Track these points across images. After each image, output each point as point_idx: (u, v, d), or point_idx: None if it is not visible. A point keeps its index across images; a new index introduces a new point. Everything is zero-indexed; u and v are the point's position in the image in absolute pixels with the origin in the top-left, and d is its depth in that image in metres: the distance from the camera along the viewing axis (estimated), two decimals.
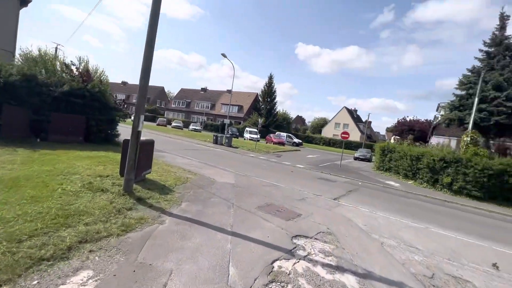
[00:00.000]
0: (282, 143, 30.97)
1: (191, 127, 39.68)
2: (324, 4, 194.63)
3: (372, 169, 19.20)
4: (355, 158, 27.77)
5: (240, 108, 52.06)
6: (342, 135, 18.37)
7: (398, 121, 54.81)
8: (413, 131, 52.84)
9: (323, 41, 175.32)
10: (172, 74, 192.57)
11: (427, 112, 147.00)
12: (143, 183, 6.25)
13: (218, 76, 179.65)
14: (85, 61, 12.94)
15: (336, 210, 7.05)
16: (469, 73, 15.64)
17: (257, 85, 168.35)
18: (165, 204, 5.23)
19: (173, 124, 40.60)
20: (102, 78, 13.78)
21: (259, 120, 22.37)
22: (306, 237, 4.74)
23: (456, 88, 16.36)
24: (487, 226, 8.01)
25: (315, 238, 4.73)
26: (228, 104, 25.95)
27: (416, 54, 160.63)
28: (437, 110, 26.65)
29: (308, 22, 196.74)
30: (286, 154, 22.90)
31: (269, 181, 9.77)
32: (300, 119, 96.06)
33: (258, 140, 32.67)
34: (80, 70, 12.15)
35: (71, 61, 12.51)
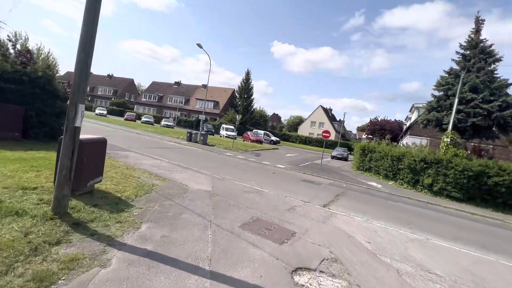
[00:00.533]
0: (260, 141, 29.97)
1: (163, 122, 37.07)
2: (299, 4, 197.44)
3: (352, 168, 18.89)
4: (332, 157, 27.68)
5: (216, 104, 50.12)
6: (324, 134, 17.75)
7: (370, 121, 56.71)
8: (384, 130, 55.03)
9: (298, 40, 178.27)
10: (143, 66, 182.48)
11: (394, 113, 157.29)
12: (89, 197, 4.70)
13: (193, 71, 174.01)
14: (24, 38, 10.60)
15: (331, 222, 6.07)
16: (446, 75, 15.82)
17: (232, 81, 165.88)
18: (116, 229, 3.78)
19: (143, 119, 37.65)
20: (50, 61, 11.47)
21: (237, 116, 21.05)
22: (309, 269, 3.62)
23: (434, 89, 16.48)
24: (479, 232, 7.62)
25: (320, 271, 3.63)
26: (204, 100, 24.09)
27: (383, 58, 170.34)
28: (410, 111, 27.40)
29: (283, 21, 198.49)
30: (265, 153, 21.87)
31: (250, 185, 8.58)
32: (276, 117, 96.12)
33: (235, 138, 31.32)
34: (18, 49, 9.86)
35: (8, 36, 10.13)
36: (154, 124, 38.94)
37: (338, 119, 67.69)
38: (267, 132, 38.16)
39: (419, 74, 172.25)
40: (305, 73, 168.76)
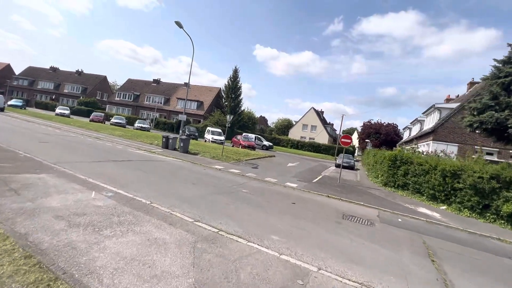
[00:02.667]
0: (252, 147, 25.48)
1: (136, 124, 31.58)
2: (280, 9, 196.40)
3: (376, 183, 14.86)
4: (337, 166, 23.74)
5: (200, 104, 45.08)
6: (343, 140, 13.60)
7: (364, 124, 54.10)
8: (379, 134, 52.42)
9: (280, 44, 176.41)
10: (123, 67, 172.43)
11: (371, 116, 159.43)
12: None
13: (175, 72, 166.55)
14: None
15: None
16: (501, 65, 12.35)
17: (216, 84, 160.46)
18: None
19: (113, 120, 31.92)
20: None
21: (228, 117, 16.49)
22: None
23: (484, 79, 12.93)
24: None
25: None
26: (186, 99, 19.56)
27: (361, 64, 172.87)
28: (423, 113, 24.11)
29: (265, 25, 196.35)
30: (262, 163, 17.41)
31: (274, 250, 4.10)
32: (263, 120, 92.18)
33: (222, 143, 26.64)
34: None
35: None
36: (127, 126, 33.31)
37: (329, 122, 64.72)
38: (259, 136, 33.78)
39: (394, 80, 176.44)
40: (288, 77, 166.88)
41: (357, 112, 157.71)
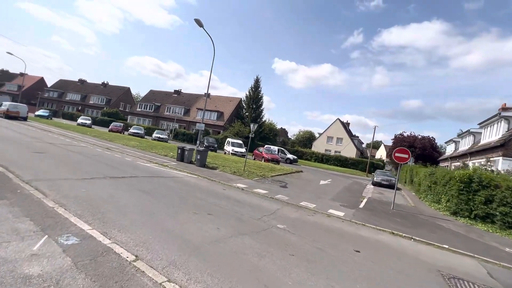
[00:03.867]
0: (276, 160, 22.91)
1: (154, 135, 30.39)
2: (297, 23, 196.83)
3: (440, 211, 11.62)
4: (375, 184, 20.45)
5: (220, 115, 43.66)
6: (397, 154, 10.72)
7: (395, 137, 49.66)
8: (414, 148, 47.80)
9: (299, 57, 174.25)
10: (148, 81, 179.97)
11: (395, 130, 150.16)
12: None
13: (196, 86, 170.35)
14: None
15: None
16: None
17: (236, 96, 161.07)
18: None
19: (131, 130, 31.03)
20: None
21: (251, 126, 14.26)
22: None
23: None
24: None
25: None
26: (205, 110, 17.90)
27: (383, 75, 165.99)
28: (480, 124, 20.39)
29: (283, 39, 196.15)
30: (290, 181, 14.81)
31: None
32: (284, 132, 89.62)
33: (244, 155, 24.41)
34: None
35: None
36: (145, 136, 32.30)
37: (353, 134, 60.71)
38: (282, 149, 31.17)
39: (419, 92, 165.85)
40: (306, 90, 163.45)
41: (380, 125, 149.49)
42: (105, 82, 60.07)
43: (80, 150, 12.61)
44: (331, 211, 8.61)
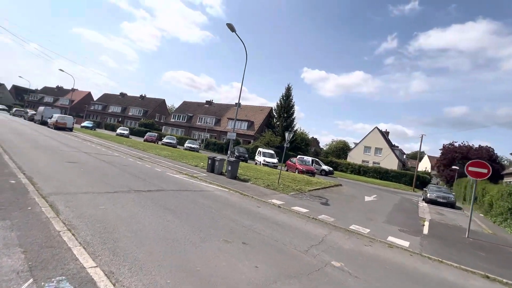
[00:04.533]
0: (311, 172, 21.17)
1: (186, 144, 30.64)
2: (327, 31, 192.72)
3: None
4: (429, 201, 17.62)
5: (251, 124, 43.11)
6: (471, 169, 8.60)
7: (444, 147, 44.47)
8: (466, 159, 42.27)
9: (329, 66, 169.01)
10: (182, 94, 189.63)
11: (437, 139, 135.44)
12: None
13: (226, 98, 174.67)
14: None
15: None
16: None
17: (266, 106, 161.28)
18: None
19: (164, 140, 31.71)
20: None
21: (286, 134, 13.04)
22: None
23: None
24: None
25: None
26: (236, 120, 17.36)
27: (422, 81, 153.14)
28: None
29: (312, 48, 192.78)
30: (331, 196, 13.11)
31: None
32: (315, 141, 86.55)
33: (276, 166, 23.10)
34: None
35: None
36: (177, 146, 32.73)
37: (393, 144, 55.89)
38: (317, 160, 29.21)
39: (465, 98, 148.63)
40: (337, 98, 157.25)
41: (420, 134, 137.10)
42: (143, 95, 63.73)
43: (112, 160, 12.43)
44: (391, 239, 6.89)
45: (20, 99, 77.27)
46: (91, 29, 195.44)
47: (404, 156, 67.29)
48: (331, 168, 29.07)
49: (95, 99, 70.12)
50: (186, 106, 54.57)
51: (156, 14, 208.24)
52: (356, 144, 48.78)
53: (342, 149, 72.59)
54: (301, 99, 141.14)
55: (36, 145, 13.02)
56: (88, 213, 4.81)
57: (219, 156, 14.24)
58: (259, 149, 26.97)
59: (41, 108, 33.40)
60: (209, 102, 52.59)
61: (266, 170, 19.19)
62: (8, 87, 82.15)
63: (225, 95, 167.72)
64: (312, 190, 13.71)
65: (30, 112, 38.90)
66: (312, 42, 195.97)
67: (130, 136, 37.60)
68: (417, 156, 34.59)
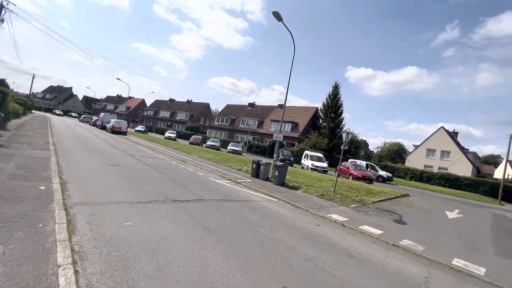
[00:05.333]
0: (369, 179, 18.34)
1: (229, 147, 30.21)
2: (374, 27, 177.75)
3: None
4: None
5: (295, 126, 41.10)
6: None
7: None
8: None
9: (376, 63, 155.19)
10: (225, 98, 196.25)
11: None
12: None
13: (267, 101, 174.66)
14: None
15: None
16: None
17: (311, 106, 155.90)
18: None
19: (208, 143, 31.79)
20: None
21: (345, 136, 10.96)
22: None
23: None
24: None
25: None
26: (279, 121, 16.17)
27: (492, 74, 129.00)
28: None
29: (358, 46, 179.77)
30: (402, 210, 10.60)
31: None
32: (364, 144, 79.94)
33: (326, 171, 20.84)
34: None
35: None
36: (221, 149, 32.57)
37: (463, 146, 47.68)
38: (372, 164, 25.85)
39: None
40: (386, 97, 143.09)
41: (491, 135, 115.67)
42: (189, 100, 66.65)
43: (155, 163, 11.98)
44: None
45: (89, 108, 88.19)
46: (146, 43, 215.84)
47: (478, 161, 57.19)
48: (389, 174, 25.38)
49: (147, 105, 75.95)
50: (229, 109, 55.08)
51: (201, 25, 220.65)
52: (417, 147, 42.79)
53: (396, 152, 65.41)
54: (345, 99, 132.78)
55: (88, 148, 13.37)
56: (109, 234, 3.77)
57: (264, 160, 12.83)
58: (306, 152, 24.87)
59: (101, 115, 36.66)
60: (251, 104, 52.14)
61: (316, 175, 17.15)
62: (80, 97, 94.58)
63: (266, 98, 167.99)
64: (376, 201, 11.35)
65: (94, 118, 43.26)
66: (356, 39, 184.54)
67: (177, 139, 38.99)
68: (506, 159, 28.37)
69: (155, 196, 6.31)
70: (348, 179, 18.71)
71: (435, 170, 37.54)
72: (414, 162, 40.29)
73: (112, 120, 31.12)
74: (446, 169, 37.62)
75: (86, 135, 20.78)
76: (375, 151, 78.51)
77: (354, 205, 9.78)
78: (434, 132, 40.67)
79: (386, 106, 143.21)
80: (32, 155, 8.48)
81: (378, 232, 6.65)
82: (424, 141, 41.59)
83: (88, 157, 10.49)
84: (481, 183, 31.98)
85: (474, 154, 41.16)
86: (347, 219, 7.45)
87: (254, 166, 12.72)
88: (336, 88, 38.88)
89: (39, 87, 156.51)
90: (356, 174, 18.40)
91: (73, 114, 65.95)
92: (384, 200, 12.01)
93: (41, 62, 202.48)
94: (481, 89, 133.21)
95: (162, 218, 4.83)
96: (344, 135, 11.02)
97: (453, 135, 40.83)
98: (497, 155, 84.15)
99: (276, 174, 11.43)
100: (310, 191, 10.83)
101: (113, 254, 3.21)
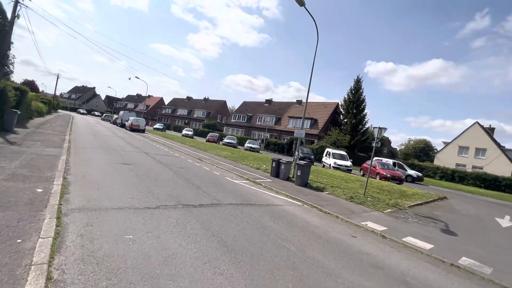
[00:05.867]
0: (399, 179, 16.77)
1: (246, 145, 29.50)
2: (394, 18, 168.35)
3: None
4: None
5: (314, 122, 39.57)
6: None
7: None
8: None
9: (397, 56, 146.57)
10: (241, 96, 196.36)
11: None
12: None
13: (284, 98, 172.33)
14: None
15: None
16: None
17: (331, 101, 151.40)
18: None
19: (225, 140, 31.26)
20: None
21: (377, 131, 9.69)
22: None
23: None
24: None
25: None
26: (299, 118, 15.06)
27: None
28: None
29: (377, 39, 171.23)
30: (445, 217, 9.23)
31: None
32: (387, 141, 76.25)
33: (350, 170, 19.52)
34: None
35: None
36: (238, 146, 31.91)
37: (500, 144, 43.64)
38: (400, 163, 23.96)
39: None
40: (408, 92, 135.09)
41: None
42: (206, 98, 66.72)
43: (170, 162, 11.40)
44: None
45: (111, 107, 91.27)
46: (164, 43, 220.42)
47: None
48: (420, 174, 23.43)
49: (166, 104, 77.13)
50: (246, 106, 54.36)
51: (217, 23, 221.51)
52: (447, 144, 39.72)
53: (423, 150, 61.60)
54: (365, 95, 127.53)
55: (103, 145, 13.08)
56: (103, 252, 3.02)
57: (285, 159, 11.84)
58: (328, 149, 23.51)
59: (121, 113, 37.26)
60: (268, 101, 51.06)
61: (340, 175, 15.90)
62: (103, 97, 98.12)
63: (282, 95, 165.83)
64: (413, 205, 10.03)
65: (114, 116, 44.24)
66: (376, 32, 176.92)
67: (194, 137, 38.86)
68: None
69: (166, 199, 5.57)
70: (375, 179, 17.24)
71: (469, 169, 34.56)
72: (444, 160, 37.39)
73: (131, 118, 31.41)
74: (482, 168, 34.52)
75: (104, 133, 20.83)
76: (398, 149, 74.64)
77: (389, 210, 8.58)
78: (468, 128, 37.45)
79: (408, 101, 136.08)
80: (42, 153, 8.09)
81: (427, 246, 5.51)
82: (455, 138, 38.45)
83: (101, 155, 10.06)
84: None
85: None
86: (385, 228, 6.34)
87: (274, 165, 11.79)
88: (358, 82, 36.85)
89: (66, 88, 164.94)
90: (385, 173, 16.89)
91: (96, 113, 68.31)
92: (421, 204, 10.64)
93: (67, 64, 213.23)
94: None
95: (171, 229, 4.05)
96: (376, 130, 9.77)
97: (489, 131, 37.39)
98: None
99: (299, 174, 10.42)
100: (337, 193, 9.73)
101: (100, 285, 2.43)
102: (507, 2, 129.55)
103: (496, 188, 29.85)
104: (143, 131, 31.18)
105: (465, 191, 23.21)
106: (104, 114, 54.61)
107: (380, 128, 9.71)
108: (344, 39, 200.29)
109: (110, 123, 43.56)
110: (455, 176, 32.85)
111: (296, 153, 12.25)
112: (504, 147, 40.74)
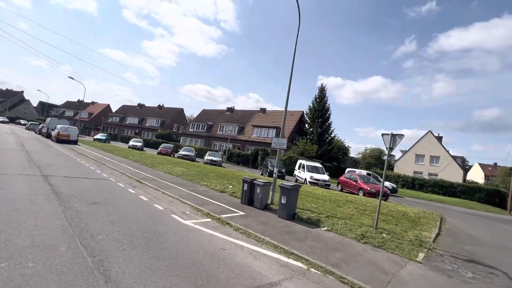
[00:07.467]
0: (385, 194, 14.74)
1: (206, 157, 25.52)
2: (340, 38, 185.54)
3: None
4: None
5: (279, 132, 37.33)
6: None
7: None
8: None
9: (345, 72, 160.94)
10: (200, 106, 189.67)
11: (470, 145, 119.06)
12: None
13: (244, 108, 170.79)
14: None
15: None
16: None
17: (297, 110, 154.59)
18: None
19: (180, 152, 26.75)
20: None
21: (390, 139, 7.02)
22: None
23: None
24: None
25: None
26: (261, 127, 12.69)
27: (447, 84, 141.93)
28: None
29: (325, 55, 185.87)
30: (484, 255, 6.84)
31: None
32: (348, 150, 78.69)
33: (328, 185, 17.08)
34: None
35: None
36: (196, 159, 27.66)
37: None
38: (375, 174, 22.52)
39: (497, 99, 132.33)
40: (356, 105, 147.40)
41: (449, 140, 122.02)
42: (161, 105, 60.58)
43: (81, 191, 7.16)
44: None
45: (45, 114, 77.82)
46: (115, 49, 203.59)
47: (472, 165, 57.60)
48: (394, 185, 22.29)
49: (113, 111, 68.32)
50: (205, 115, 50.15)
51: (173, 32, 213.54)
52: (404, 152, 41.11)
53: (378, 158, 64.44)
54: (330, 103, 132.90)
55: None
56: None
57: (260, 181, 8.41)
58: (301, 161, 20.86)
59: (47, 120, 30.08)
60: (230, 109, 47.75)
61: (323, 193, 13.10)
62: (35, 103, 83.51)
63: (242, 105, 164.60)
64: (435, 238, 7.55)
65: (41, 125, 36.10)
66: (325, 49, 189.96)
67: (145, 149, 33.32)
68: None
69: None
70: (358, 195, 14.97)
71: (426, 176, 35.75)
72: (403, 168, 38.34)
73: (58, 127, 24.96)
74: (437, 175, 36.03)
75: (5, 146, 15.01)
76: (356, 157, 77.57)
77: (421, 254, 5.85)
78: (422, 137, 39.24)
79: (355, 113, 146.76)
80: None
81: None
82: (412, 147, 39.98)
83: None
84: (476, 189, 30.34)
85: (463, 158, 40.37)
86: None
87: (245, 188, 8.39)
88: (322, 90, 36.03)
89: None
90: (369, 188, 14.68)
91: (22, 122, 56.70)
92: (438, 235, 8.25)
93: None
94: (438, 98, 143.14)
95: None
96: (388, 138, 7.13)
97: (438, 139, 39.73)
98: (462, 157, 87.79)
99: (283, 201, 7.20)
100: (340, 229, 6.73)
101: None
102: (428, 30, 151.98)
103: (452, 194, 30.90)
104: (75, 142, 24.96)
105: (426, 199, 22.71)
106: (30, 123, 45.05)
107: (393, 135, 7.10)
108: (298, 54, 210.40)
109: (35, 133, 35.33)
110: (415, 184, 33.44)
111: (275, 170, 9.05)
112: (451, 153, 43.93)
